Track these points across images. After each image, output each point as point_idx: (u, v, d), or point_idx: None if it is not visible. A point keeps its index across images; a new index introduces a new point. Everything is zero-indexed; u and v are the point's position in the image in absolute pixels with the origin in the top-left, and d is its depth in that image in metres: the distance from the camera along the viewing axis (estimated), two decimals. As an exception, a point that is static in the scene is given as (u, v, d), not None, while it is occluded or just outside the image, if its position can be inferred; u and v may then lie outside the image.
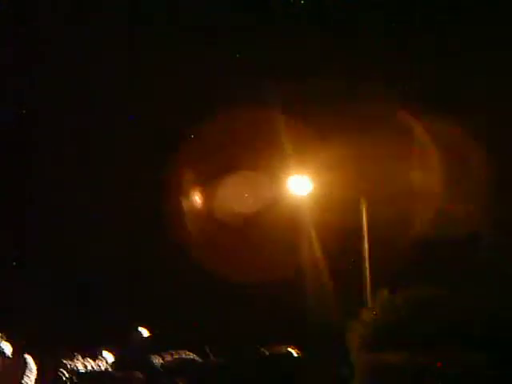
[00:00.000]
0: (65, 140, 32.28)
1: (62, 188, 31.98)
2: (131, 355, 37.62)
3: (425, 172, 22.05)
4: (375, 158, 22.65)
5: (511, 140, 21.41)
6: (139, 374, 36.19)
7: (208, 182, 27.60)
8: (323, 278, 23.30)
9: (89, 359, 35.71)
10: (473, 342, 17.28)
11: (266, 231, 25.68)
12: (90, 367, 34.77)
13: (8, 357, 35.09)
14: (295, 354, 21.07)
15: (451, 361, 16.48)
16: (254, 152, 25.08)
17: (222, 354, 32.98)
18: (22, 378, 34.14)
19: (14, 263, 36.00)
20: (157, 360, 35.72)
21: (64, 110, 31.55)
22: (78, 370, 33.79)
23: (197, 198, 28.39)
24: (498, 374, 16.28)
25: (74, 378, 30.82)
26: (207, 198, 28.10)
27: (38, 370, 35.86)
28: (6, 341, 33.03)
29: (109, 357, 36.46)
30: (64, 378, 31.58)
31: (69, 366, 34.42)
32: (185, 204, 28.86)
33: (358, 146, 22.58)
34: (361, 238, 21.13)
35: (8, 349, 33.92)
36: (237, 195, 26.63)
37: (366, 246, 21.06)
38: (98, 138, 31.09)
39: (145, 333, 39.89)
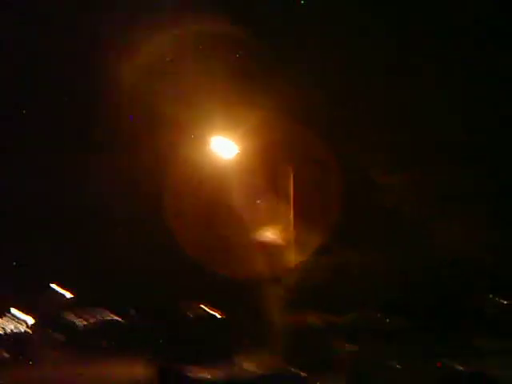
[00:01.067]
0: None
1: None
2: (51, 316, 37.10)
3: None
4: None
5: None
6: (59, 335, 35.77)
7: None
8: (250, 245, 23.26)
9: (7, 321, 35.03)
10: (391, 306, 17.73)
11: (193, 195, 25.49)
12: (9, 330, 34.14)
13: None
14: (218, 316, 21.08)
15: (363, 323, 16.80)
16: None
17: (145, 316, 32.88)
18: None
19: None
20: (78, 321, 35.36)
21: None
22: (-4, 332, 33.19)
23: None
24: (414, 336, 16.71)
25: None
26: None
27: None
28: None
29: (28, 318, 35.86)
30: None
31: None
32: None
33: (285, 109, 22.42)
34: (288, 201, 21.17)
35: None
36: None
37: (292, 211, 21.08)
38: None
39: (66, 293, 39.35)
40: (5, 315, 34.49)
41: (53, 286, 38.84)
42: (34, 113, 31.43)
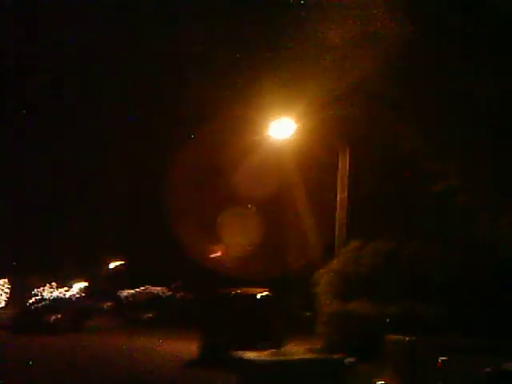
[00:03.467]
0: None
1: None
2: (100, 285, 37.89)
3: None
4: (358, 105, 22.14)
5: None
6: (107, 304, 36.51)
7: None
8: (303, 225, 23.15)
9: (57, 287, 35.93)
10: (435, 295, 17.44)
11: (252, 173, 25.46)
12: (57, 294, 35.00)
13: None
14: (259, 296, 21.01)
15: (412, 313, 16.55)
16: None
17: (190, 291, 33.22)
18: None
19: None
20: (125, 292, 35.97)
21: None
22: (45, 296, 34.01)
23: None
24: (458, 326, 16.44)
25: (39, 305, 30.95)
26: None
27: (9, 294, 36.23)
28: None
29: (78, 286, 36.69)
30: (31, 305, 31.77)
31: (37, 293, 34.64)
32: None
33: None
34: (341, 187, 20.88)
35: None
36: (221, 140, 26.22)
37: (345, 195, 20.74)
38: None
39: (114, 265, 40.13)
40: (69, 286, 35.58)
41: (109, 259, 39.71)
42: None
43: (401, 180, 21.36)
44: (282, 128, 21.09)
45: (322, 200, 23.09)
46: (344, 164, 21.00)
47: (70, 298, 35.07)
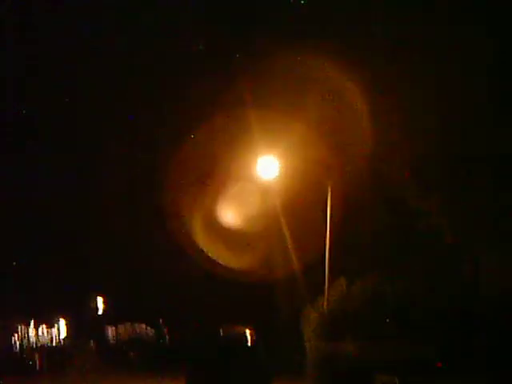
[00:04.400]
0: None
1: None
2: (85, 324, 37.48)
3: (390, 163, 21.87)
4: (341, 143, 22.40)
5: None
6: (91, 343, 36.13)
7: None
8: (290, 264, 23.16)
9: (42, 326, 35.50)
10: (423, 333, 17.53)
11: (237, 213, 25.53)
12: (42, 333, 34.56)
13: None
14: (249, 336, 20.94)
15: (401, 353, 16.62)
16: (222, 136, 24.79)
17: (177, 330, 32.93)
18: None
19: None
20: (110, 330, 35.65)
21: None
22: (30, 335, 33.58)
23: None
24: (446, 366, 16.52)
25: (25, 343, 30.57)
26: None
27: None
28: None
29: (61, 324, 36.25)
30: (16, 342, 31.36)
31: (22, 332, 34.19)
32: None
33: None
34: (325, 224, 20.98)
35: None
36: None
37: (328, 235, 20.80)
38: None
39: (100, 302, 39.70)
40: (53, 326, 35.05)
41: (91, 297, 39.34)
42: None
43: (388, 218, 21.57)
44: (267, 166, 21.31)
45: (308, 237, 23.15)
46: (328, 201, 21.12)
47: (53, 337, 34.65)
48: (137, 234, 31.54)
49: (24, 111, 32.50)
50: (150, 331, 34.39)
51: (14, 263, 35.34)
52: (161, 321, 36.18)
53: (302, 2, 22.26)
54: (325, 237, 20.65)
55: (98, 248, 34.27)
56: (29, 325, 34.93)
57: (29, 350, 29.64)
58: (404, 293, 19.18)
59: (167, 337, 32.42)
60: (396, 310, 18.73)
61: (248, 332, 20.54)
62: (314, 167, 22.03)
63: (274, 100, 22.69)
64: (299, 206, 22.99)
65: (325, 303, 19.33)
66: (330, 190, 20.84)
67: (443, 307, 18.16)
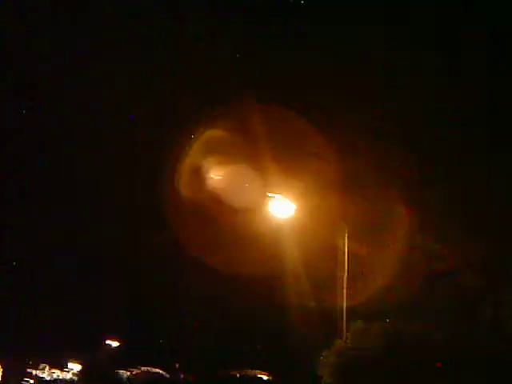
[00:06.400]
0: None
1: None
2: (98, 367, 37.11)
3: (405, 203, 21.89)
4: (358, 186, 22.49)
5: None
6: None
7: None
8: (305, 304, 23.02)
9: (54, 369, 35.19)
10: (447, 379, 17.26)
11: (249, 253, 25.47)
12: (55, 377, 34.26)
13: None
14: (265, 378, 20.75)
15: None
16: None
17: (192, 373, 32.56)
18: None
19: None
20: (124, 373, 35.29)
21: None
22: (43, 378, 33.28)
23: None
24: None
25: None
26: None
27: (2, 377, 35.30)
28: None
29: (75, 367, 35.93)
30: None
31: (34, 375, 33.88)
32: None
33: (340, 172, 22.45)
34: (339, 265, 20.89)
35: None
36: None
37: (345, 275, 20.75)
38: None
39: (114, 345, 39.41)
40: (63, 368, 34.77)
41: (104, 338, 39.07)
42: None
43: (399, 259, 21.48)
44: (280, 207, 21.38)
45: (322, 278, 23.07)
46: (342, 243, 21.13)
47: (68, 379, 34.34)
48: (150, 276, 31.53)
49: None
50: (166, 374, 34.05)
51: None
52: (177, 365, 35.87)
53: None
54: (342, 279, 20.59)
55: (112, 290, 34.28)
56: (39, 367, 34.71)
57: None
58: (421, 337, 18.97)
59: (182, 378, 32.11)
60: (414, 353, 18.47)
61: (264, 375, 20.36)
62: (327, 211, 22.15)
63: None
64: (313, 247, 23.02)
65: (339, 344, 19.17)
66: (346, 231, 20.90)
67: (465, 350, 17.91)
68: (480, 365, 17.06)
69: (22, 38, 30.11)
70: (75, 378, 34.91)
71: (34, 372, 34.56)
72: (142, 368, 33.99)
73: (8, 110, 33.12)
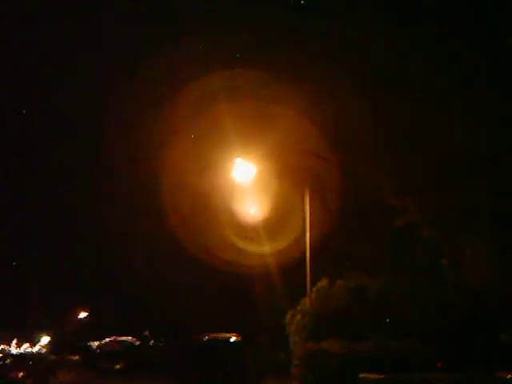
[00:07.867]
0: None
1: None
2: (65, 338, 37.17)
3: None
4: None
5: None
6: (75, 357, 35.83)
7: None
8: (270, 267, 23.28)
9: (25, 342, 35.16)
10: (406, 329, 17.70)
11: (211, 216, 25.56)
12: (25, 350, 34.24)
13: None
14: (233, 339, 20.99)
15: (386, 349, 16.75)
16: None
17: (161, 340, 32.90)
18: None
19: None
20: (94, 344, 35.38)
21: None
22: (13, 352, 33.22)
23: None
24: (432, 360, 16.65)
25: (7, 360, 30.16)
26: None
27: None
28: None
29: (45, 339, 35.94)
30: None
31: (3, 349, 33.81)
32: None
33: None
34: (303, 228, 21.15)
35: None
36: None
37: (308, 236, 21.01)
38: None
39: (83, 315, 39.46)
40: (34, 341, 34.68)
41: (77, 310, 39.00)
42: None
43: (364, 216, 21.78)
44: (243, 170, 21.51)
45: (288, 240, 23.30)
46: (305, 205, 21.37)
47: (36, 353, 34.30)
48: (125, 247, 31.52)
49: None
50: (135, 342, 34.25)
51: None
52: (146, 333, 36.10)
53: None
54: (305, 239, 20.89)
55: (86, 263, 34.23)
56: (12, 340, 34.63)
57: (11, 366, 29.24)
58: (386, 290, 19.38)
59: (152, 344, 32.45)
60: (378, 307, 18.90)
61: (232, 337, 20.64)
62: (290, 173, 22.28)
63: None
64: (277, 210, 23.19)
65: (306, 302, 19.52)
66: (307, 193, 21.14)
67: (425, 304, 18.35)
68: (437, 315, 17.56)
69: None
70: (43, 350, 34.88)
71: (3, 346, 34.45)
72: (109, 338, 34.14)
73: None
